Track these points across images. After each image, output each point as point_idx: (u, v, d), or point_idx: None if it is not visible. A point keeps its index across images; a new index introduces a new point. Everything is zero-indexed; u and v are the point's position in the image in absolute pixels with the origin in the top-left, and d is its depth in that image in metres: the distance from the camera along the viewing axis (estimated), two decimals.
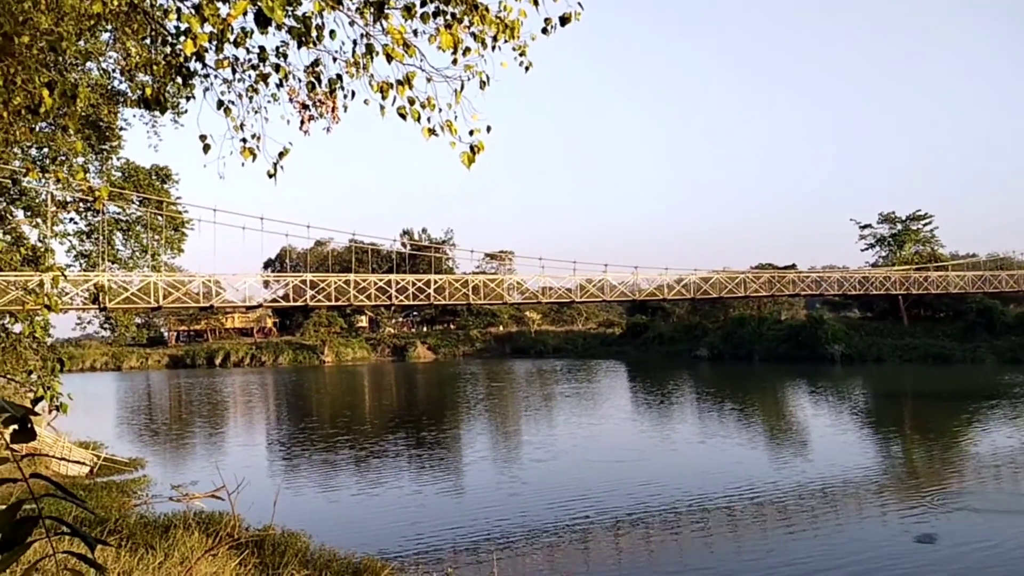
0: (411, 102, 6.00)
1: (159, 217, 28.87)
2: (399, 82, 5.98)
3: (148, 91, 6.67)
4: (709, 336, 79.76)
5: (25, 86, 6.39)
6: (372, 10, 6.03)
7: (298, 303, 42.85)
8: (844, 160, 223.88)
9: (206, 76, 7.13)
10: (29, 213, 25.28)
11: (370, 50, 6.06)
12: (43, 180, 21.12)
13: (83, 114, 16.23)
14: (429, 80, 6.05)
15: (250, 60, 6.75)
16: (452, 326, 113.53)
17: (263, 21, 6.15)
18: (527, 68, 6.50)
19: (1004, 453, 21.79)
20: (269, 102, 7.26)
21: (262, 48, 6.57)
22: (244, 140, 6.86)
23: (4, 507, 1.85)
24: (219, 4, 5.81)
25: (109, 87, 21.42)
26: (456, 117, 6.05)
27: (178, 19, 6.24)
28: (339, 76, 6.55)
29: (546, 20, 6.05)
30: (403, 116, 5.89)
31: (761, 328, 74.57)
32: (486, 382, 58.45)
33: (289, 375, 77.79)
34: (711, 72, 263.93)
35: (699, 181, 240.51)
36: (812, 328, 69.32)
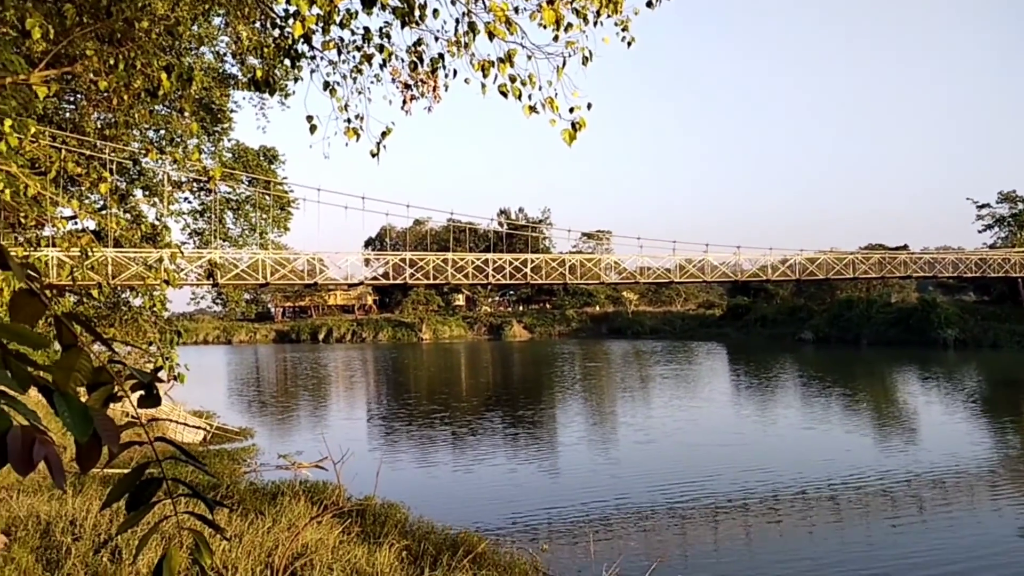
0: (512, 80, 5.99)
1: (267, 197, 29.90)
2: (500, 60, 5.98)
3: (258, 73, 6.88)
4: (814, 319, 77.31)
5: (144, 70, 6.69)
6: None
7: (397, 281, 43.78)
8: (962, 136, 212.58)
9: (313, 58, 7.30)
10: (147, 193, 26.58)
11: (472, 28, 6.08)
12: (160, 161, 22.12)
13: (197, 97, 16.89)
14: (530, 57, 6.03)
15: (355, 41, 6.87)
16: (548, 306, 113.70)
17: (368, 2, 6.24)
18: (629, 43, 6.40)
19: None
20: (372, 83, 7.38)
21: (366, 29, 6.68)
22: (348, 120, 7.01)
23: (129, 469, 1.95)
24: None
25: (221, 70, 22.24)
26: (557, 94, 6.01)
27: (287, 2, 6.40)
28: (441, 55, 6.60)
29: None
30: (504, 94, 5.89)
31: (870, 311, 71.75)
32: (582, 362, 58.39)
33: (388, 351, 79.58)
34: (823, 40, 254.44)
35: (806, 156, 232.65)
36: (924, 312, 66.25)
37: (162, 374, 7.63)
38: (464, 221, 56.82)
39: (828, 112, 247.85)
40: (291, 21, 6.34)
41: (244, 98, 26.27)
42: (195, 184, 27.56)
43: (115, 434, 1.72)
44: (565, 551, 12.33)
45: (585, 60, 6.09)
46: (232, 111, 25.54)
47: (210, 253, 30.73)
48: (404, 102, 7.27)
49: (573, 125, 5.70)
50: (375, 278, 48.90)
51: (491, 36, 5.97)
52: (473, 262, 45.24)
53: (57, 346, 1.84)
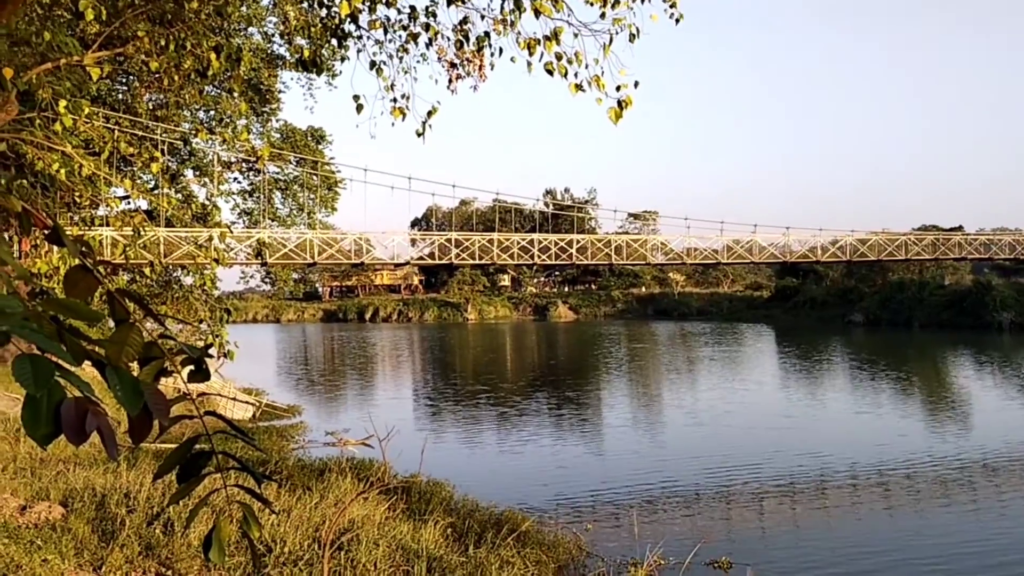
0: (558, 58, 5.93)
1: (314, 177, 30.20)
2: (546, 38, 5.92)
3: (306, 53, 6.93)
4: (865, 301, 75.89)
5: (194, 50, 6.78)
6: None
7: (443, 261, 43.94)
8: (1021, 114, 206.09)
9: (359, 37, 7.31)
10: (198, 173, 27.03)
11: (518, 6, 6.02)
12: (210, 141, 22.47)
13: (245, 77, 17.08)
14: (577, 35, 5.96)
15: (401, 20, 6.87)
16: (593, 286, 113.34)
17: None
18: (677, 20, 6.28)
19: None
20: (418, 62, 7.38)
21: (412, 7, 6.66)
22: (394, 100, 7.02)
23: (180, 443, 1.98)
24: None
25: (269, 51, 22.46)
26: (603, 72, 5.94)
27: None
28: (487, 34, 6.56)
29: None
30: (550, 72, 5.84)
31: (922, 293, 70.18)
32: (628, 343, 58.15)
33: (434, 331, 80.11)
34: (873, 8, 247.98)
35: (855, 135, 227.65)
36: (978, 294, 64.57)
37: (212, 351, 7.77)
38: (510, 201, 56.69)
39: (882, 90, 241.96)
40: (338, 1, 6.36)
41: (292, 79, 26.57)
42: (244, 164, 27.96)
43: (165, 407, 1.75)
44: (609, 531, 12.33)
45: (632, 37, 6.00)
46: (280, 92, 25.82)
47: (259, 233, 31.18)
48: (450, 81, 7.25)
49: (619, 103, 5.63)
50: (421, 258, 49.20)
51: (537, 14, 5.91)
52: (519, 242, 45.22)
53: (112, 323, 1.87)
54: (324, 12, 7.06)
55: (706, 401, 27.11)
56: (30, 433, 1.51)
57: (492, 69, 7.04)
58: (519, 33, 6.12)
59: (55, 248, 8.46)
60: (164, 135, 21.33)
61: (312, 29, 7.18)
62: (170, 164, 24.42)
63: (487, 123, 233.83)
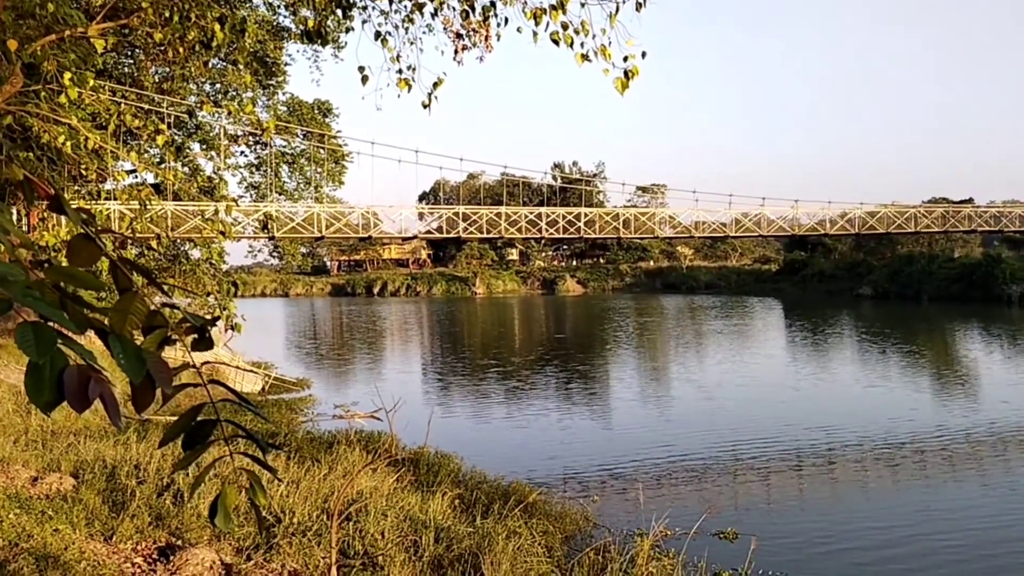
0: (564, 27, 5.87)
1: (321, 150, 30.11)
2: (552, 7, 5.85)
3: (310, 24, 6.87)
4: (873, 274, 75.66)
5: (198, 22, 6.74)
6: None
7: (450, 235, 43.92)
8: None
9: (364, 8, 7.25)
10: (204, 146, 26.98)
11: None
12: (216, 114, 22.40)
13: (251, 49, 16.99)
14: (583, 4, 5.89)
15: None
16: (602, 260, 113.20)
17: None
18: None
19: None
20: (424, 33, 7.31)
21: None
22: (400, 72, 6.97)
23: (185, 412, 1.99)
24: None
25: (274, 22, 22.32)
26: (611, 42, 5.88)
27: None
28: (492, 3, 6.49)
29: None
30: (556, 42, 5.78)
31: (931, 266, 69.91)
32: (636, 317, 58.16)
33: (442, 305, 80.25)
34: None
35: (865, 108, 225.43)
36: (988, 267, 64.26)
37: (220, 324, 7.80)
38: (518, 175, 56.50)
39: (889, 60, 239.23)
40: None
41: (298, 51, 26.38)
42: (251, 138, 27.89)
43: (168, 376, 1.76)
44: (615, 503, 12.41)
45: (639, 6, 5.94)
46: (286, 64, 25.67)
47: (266, 206, 31.17)
48: (456, 52, 7.19)
49: (626, 73, 5.57)
50: (429, 232, 49.17)
51: None
52: (526, 216, 45.12)
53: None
54: None
55: (714, 375, 27.14)
56: (33, 400, 1.51)
57: (498, 40, 6.98)
58: (525, 2, 6.06)
59: (63, 221, 8.48)
60: (171, 109, 21.27)
61: (317, 0, 7.12)
62: (176, 137, 24.38)
63: (495, 97, 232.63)
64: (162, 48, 7.64)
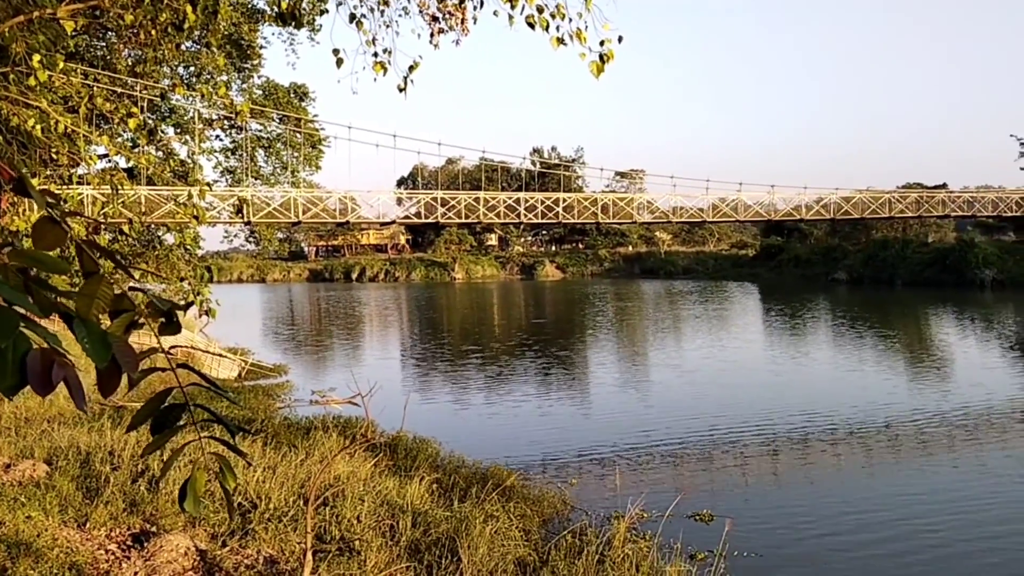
0: (540, 11, 5.84)
1: (298, 134, 29.87)
2: None
3: (283, 5, 6.80)
4: (848, 259, 76.37)
5: (171, 3, 6.64)
6: None
7: (429, 220, 43.75)
8: (1007, 72, 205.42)
9: None
10: (179, 130, 26.68)
11: None
12: (190, 98, 22.15)
13: (225, 32, 16.80)
14: None
15: None
16: (581, 245, 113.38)
17: None
18: None
19: None
20: (400, 15, 7.25)
21: None
22: (375, 55, 6.91)
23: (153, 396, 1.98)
24: None
25: (249, 4, 22.06)
26: (587, 26, 5.86)
27: None
28: None
29: None
30: (531, 25, 5.75)
31: (905, 251, 70.70)
32: (615, 302, 58.36)
33: (421, 291, 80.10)
34: None
35: (843, 93, 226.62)
36: (961, 251, 65.10)
37: (194, 310, 7.75)
38: (497, 160, 56.29)
39: (867, 46, 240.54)
40: None
41: (273, 34, 26.14)
42: (226, 122, 27.60)
43: (134, 360, 1.74)
44: (593, 486, 12.49)
45: None
46: (261, 48, 25.41)
47: (242, 191, 30.90)
48: (432, 35, 7.15)
49: (601, 57, 5.56)
50: (407, 217, 48.96)
51: None
52: (505, 201, 45.05)
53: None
54: None
55: (693, 359, 27.33)
56: None
57: (475, 23, 6.95)
58: None
59: (35, 206, 8.36)
60: (144, 92, 20.99)
61: None
62: (149, 121, 24.08)
63: (474, 82, 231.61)
64: (134, 30, 7.52)
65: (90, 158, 9.61)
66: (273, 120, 28.98)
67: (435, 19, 7.06)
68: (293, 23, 7.30)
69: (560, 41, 5.66)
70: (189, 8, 6.50)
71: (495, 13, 6.18)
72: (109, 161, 14.84)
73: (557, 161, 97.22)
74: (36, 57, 6.86)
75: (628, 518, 8.25)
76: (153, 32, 7.26)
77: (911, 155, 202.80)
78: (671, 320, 43.35)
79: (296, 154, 30.49)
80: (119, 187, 7.56)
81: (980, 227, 75.28)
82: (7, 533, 6.23)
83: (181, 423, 2.00)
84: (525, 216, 45.37)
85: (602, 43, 5.76)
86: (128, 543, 6.74)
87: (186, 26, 6.60)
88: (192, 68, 23.97)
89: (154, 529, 7.00)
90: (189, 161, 22.41)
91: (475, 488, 9.94)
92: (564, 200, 46.52)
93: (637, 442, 15.54)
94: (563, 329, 40.97)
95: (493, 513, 8.51)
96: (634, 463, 14.06)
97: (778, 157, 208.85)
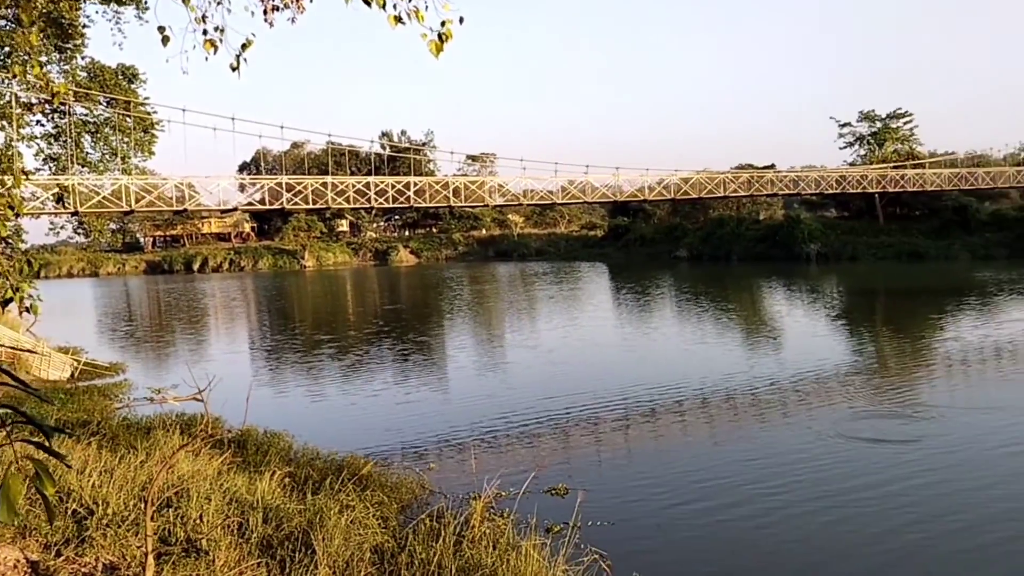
0: None
1: (127, 118, 28.12)
2: None
3: None
4: (689, 237, 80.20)
5: None
6: None
7: (275, 206, 42.41)
8: (828, 58, 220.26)
9: None
10: None
11: None
12: (5, 80, 20.44)
13: (43, 10, 15.56)
14: None
15: None
16: (434, 230, 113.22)
17: None
18: None
19: (974, 348, 22.27)
20: None
21: None
22: (206, 32, 6.58)
23: None
24: None
25: None
26: (427, 7, 5.79)
27: None
28: None
29: None
30: (368, 2, 5.64)
31: (739, 229, 75.01)
32: (469, 285, 58.70)
33: (269, 280, 77.72)
34: None
35: (682, 82, 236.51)
36: (789, 228, 69.82)
37: (13, 307, 7.16)
38: (344, 144, 55.13)
39: (701, 34, 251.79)
40: None
41: (97, 12, 24.41)
42: (47, 106, 25.61)
43: None
44: (452, 469, 12.55)
45: None
46: (85, 26, 23.67)
47: (67, 180, 28.81)
48: (265, 12, 6.88)
49: (440, 37, 5.52)
50: (251, 204, 47.19)
51: None
52: (354, 186, 44.23)
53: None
54: None
55: (548, 339, 27.88)
56: None
57: (311, 1, 6.73)
58: None
59: None
60: None
61: None
62: None
63: (317, 63, 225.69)
64: None
65: None
66: (100, 103, 27.14)
67: None
68: (114, 1, 6.85)
69: (398, 20, 5.58)
70: None
71: None
72: None
73: (407, 145, 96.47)
74: None
75: (485, 498, 8.34)
76: None
77: (744, 139, 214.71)
78: (526, 301, 44.06)
79: (126, 139, 28.68)
80: None
81: (805, 204, 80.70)
82: None
83: None
84: (376, 201, 44.76)
85: (443, 23, 5.71)
86: None
87: None
88: (7, 48, 22.08)
89: None
90: (5, 148, 20.69)
91: (330, 479, 9.76)
92: (416, 184, 46.21)
93: (495, 424, 15.73)
94: (419, 314, 40.83)
95: (349, 503, 8.39)
96: (492, 444, 14.22)
97: (623, 140, 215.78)
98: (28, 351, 20.14)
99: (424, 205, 48.67)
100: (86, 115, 27.36)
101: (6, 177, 8.67)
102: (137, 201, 34.66)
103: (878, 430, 13.88)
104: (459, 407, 17.53)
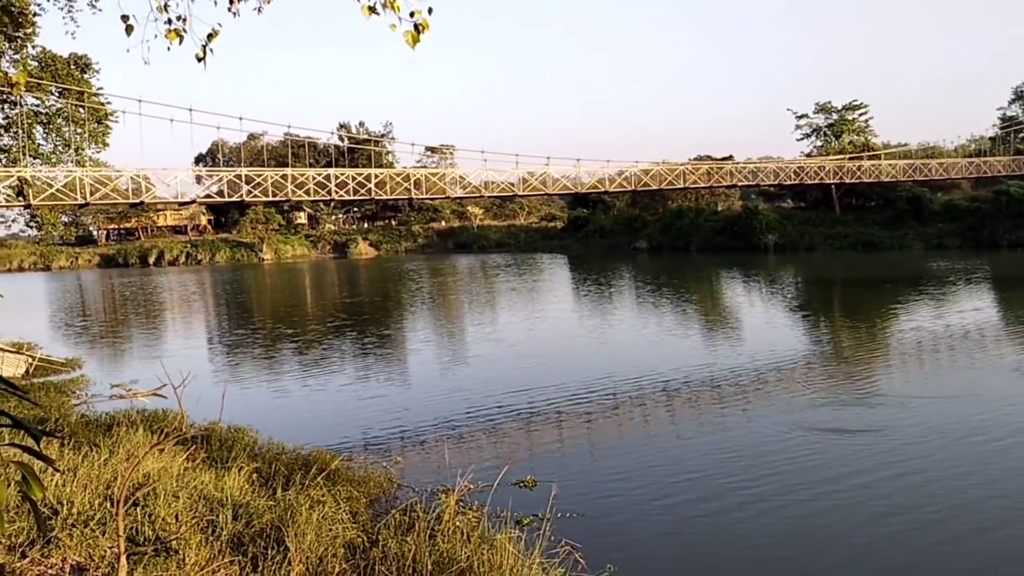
0: None
1: (81, 109, 27.48)
2: None
3: None
4: (648, 228, 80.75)
5: None
6: None
7: (233, 199, 41.81)
8: (786, 51, 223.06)
9: None
10: None
11: None
12: None
13: None
14: None
15: None
16: (394, 222, 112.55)
17: None
18: None
19: (931, 337, 22.77)
20: None
21: None
22: (169, 21, 6.44)
23: None
24: None
25: None
26: None
27: None
28: None
29: None
30: None
31: (698, 220, 75.69)
32: (430, 278, 58.48)
33: (227, 273, 76.65)
34: None
35: (642, 75, 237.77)
36: (747, 219, 70.65)
37: None
38: (303, 135, 54.49)
39: (661, 27, 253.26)
40: None
41: (49, 0, 23.76)
42: None
43: None
44: (420, 463, 12.51)
45: None
46: (36, 15, 23.06)
47: (19, 171, 28.07)
48: (231, 2, 6.75)
49: (416, 27, 5.47)
50: (208, 196, 46.49)
51: None
52: (314, 178, 43.79)
53: None
54: None
55: (510, 332, 27.90)
56: None
57: None
58: None
59: None
60: None
61: None
62: None
63: (276, 54, 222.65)
64: None
65: None
66: (52, 94, 26.49)
67: None
68: None
69: (372, 10, 5.51)
70: None
71: None
72: None
73: (366, 136, 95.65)
74: None
75: (457, 491, 8.32)
76: None
77: (703, 130, 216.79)
78: (489, 294, 44.02)
79: (80, 130, 28.04)
80: None
81: (763, 195, 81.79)
82: None
83: None
84: (336, 193, 44.38)
85: (412, 14, 5.66)
86: None
87: None
88: None
89: None
90: None
91: (298, 475, 9.66)
92: (376, 176, 45.87)
93: (462, 417, 15.70)
94: (381, 307, 40.57)
95: (319, 498, 8.31)
96: (460, 437, 14.20)
97: (583, 132, 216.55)
98: None
99: (385, 197, 48.36)
100: (37, 105, 26.69)
101: None
102: (92, 194, 33.93)
103: (841, 420, 14.13)
104: (424, 400, 17.47)
